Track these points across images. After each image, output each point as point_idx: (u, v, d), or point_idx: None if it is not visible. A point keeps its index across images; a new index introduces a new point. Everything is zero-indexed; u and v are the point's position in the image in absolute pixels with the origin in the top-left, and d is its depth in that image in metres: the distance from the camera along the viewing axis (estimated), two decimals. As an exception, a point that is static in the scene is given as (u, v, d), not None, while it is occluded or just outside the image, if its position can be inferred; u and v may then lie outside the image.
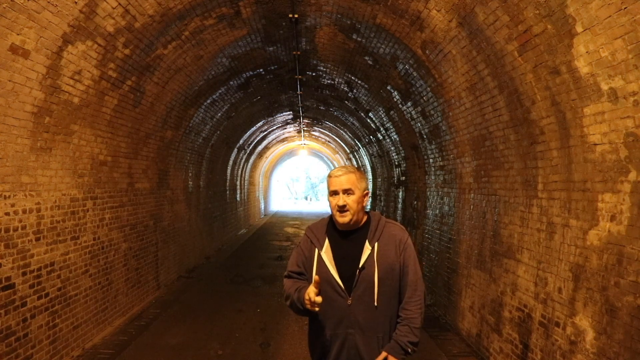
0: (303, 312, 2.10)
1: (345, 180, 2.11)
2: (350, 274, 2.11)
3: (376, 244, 2.12)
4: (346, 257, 2.14)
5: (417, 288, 2.14)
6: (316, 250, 2.20)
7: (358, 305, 2.08)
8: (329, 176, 2.19)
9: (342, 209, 2.10)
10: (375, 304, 2.07)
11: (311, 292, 1.94)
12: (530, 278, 3.84)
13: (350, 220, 2.12)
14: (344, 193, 2.11)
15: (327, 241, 2.20)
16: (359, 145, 13.39)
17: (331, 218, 2.26)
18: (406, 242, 2.17)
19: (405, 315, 2.11)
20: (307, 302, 1.96)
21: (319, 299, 1.94)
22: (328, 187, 2.18)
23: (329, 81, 8.96)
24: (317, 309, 1.97)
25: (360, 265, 2.10)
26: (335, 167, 2.38)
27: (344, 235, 2.20)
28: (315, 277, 1.98)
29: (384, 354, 2.04)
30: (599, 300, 2.88)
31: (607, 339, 2.77)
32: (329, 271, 2.13)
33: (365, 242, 2.14)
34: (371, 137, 10.97)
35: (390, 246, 2.14)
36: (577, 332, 3.10)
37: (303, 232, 2.37)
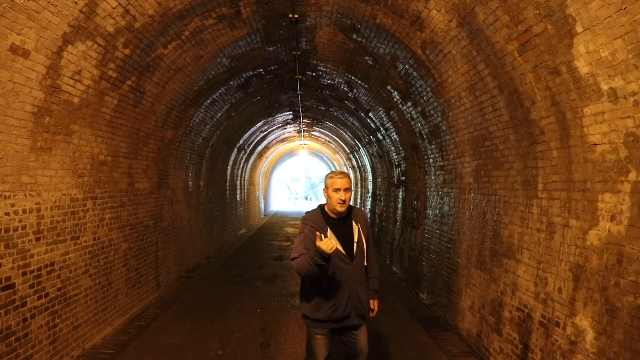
0: (318, 267, 2.72)
1: (346, 181, 2.99)
2: (349, 247, 3.02)
3: (359, 224, 3.10)
4: (344, 236, 3.03)
5: (373, 251, 3.26)
6: (321, 235, 2.81)
7: (357, 268, 3.03)
8: (332, 177, 3.00)
9: (343, 202, 2.96)
10: (365, 264, 3.11)
11: (323, 243, 2.61)
12: (530, 278, 3.84)
13: (346, 210, 3.04)
14: (344, 191, 2.96)
15: (328, 227, 2.99)
16: (359, 145, 13.38)
17: (321, 210, 3.11)
18: (368, 219, 3.23)
19: (372, 272, 3.24)
20: (323, 249, 2.60)
21: (328, 241, 2.65)
22: (332, 185, 2.98)
23: (329, 81, 8.96)
24: (332, 249, 2.62)
25: (355, 240, 3.05)
26: (333, 171, 3.65)
27: (337, 221, 3.07)
28: (317, 233, 2.76)
29: (371, 300, 3.26)
30: (599, 300, 2.88)
31: (607, 339, 2.77)
32: (337, 247, 2.88)
33: (352, 223, 3.09)
34: (371, 137, 10.97)
35: (364, 224, 3.14)
36: (577, 332, 3.10)
37: (303, 231, 3.01)
